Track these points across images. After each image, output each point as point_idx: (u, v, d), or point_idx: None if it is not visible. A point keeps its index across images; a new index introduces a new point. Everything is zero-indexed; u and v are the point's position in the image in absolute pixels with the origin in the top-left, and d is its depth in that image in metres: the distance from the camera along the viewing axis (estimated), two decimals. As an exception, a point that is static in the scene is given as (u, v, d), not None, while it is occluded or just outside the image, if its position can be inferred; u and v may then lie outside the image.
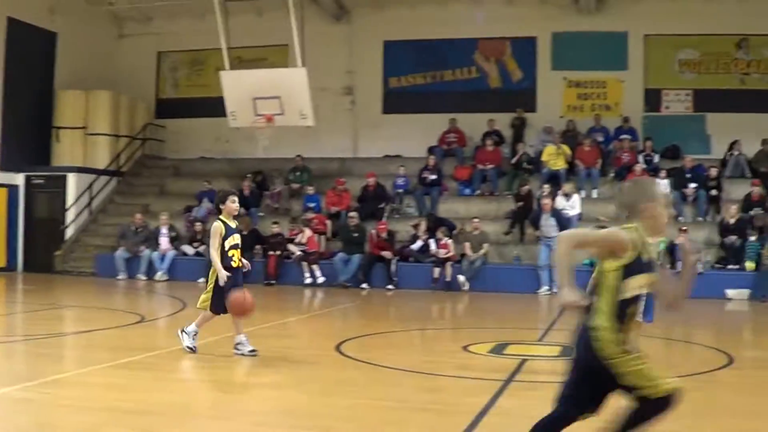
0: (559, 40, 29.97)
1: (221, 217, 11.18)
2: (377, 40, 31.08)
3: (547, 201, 23.43)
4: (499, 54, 30.63)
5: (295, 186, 28.44)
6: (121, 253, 26.24)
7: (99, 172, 30.14)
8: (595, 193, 26.97)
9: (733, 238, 23.43)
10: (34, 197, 29.50)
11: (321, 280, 24.13)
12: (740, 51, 29.39)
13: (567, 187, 25.30)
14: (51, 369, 10.19)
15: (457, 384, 9.84)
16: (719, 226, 24.10)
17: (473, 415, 7.97)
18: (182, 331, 11.24)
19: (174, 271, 25.82)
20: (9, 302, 20.44)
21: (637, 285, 5.24)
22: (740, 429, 7.99)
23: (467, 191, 27.97)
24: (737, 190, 26.08)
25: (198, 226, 26.25)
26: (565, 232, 5.84)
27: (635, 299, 5.27)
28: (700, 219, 25.46)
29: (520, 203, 25.49)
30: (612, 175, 27.28)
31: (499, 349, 12.46)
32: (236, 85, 25.01)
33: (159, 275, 25.62)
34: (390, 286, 23.82)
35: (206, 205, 27.07)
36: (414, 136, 29.79)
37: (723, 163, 27.31)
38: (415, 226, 24.97)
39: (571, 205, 24.89)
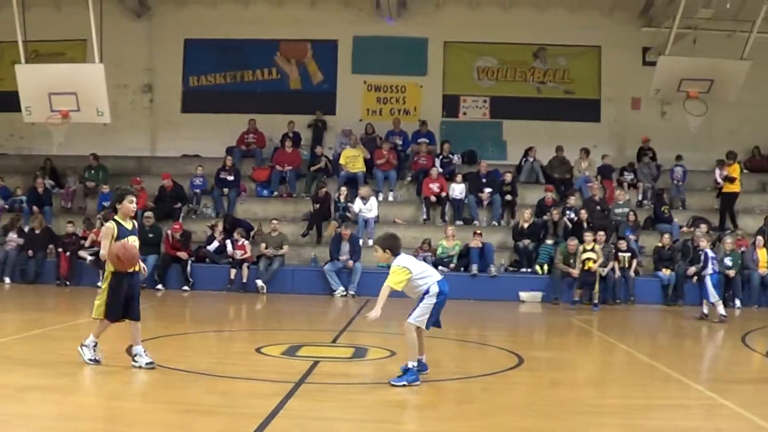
0: (360, 44, 29.98)
1: (116, 217, 10.33)
2: (178, 38, 30.40)
3: (347, 232, 23.30)
4: (300, 56, 30.42)
5: (90, 184, 27.50)
6: None
7: None
8: (391, 196, 27.04)
9: (526, 242, 23.86)
10: None
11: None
12: (537, 60, 30.12)
13: (364, 190, 25.29)
14: None
15: (248, 386, 9.57)
16: (513, 230, 24.52)
17: (262, 417, 7.78)
18: (82, 345, 10.38)
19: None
20: None
21: None
22: (525, 428, 7.97)
23: (265, 192, 27.65)
24: (531, 195, 26.71)
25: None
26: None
27: None
28: (495, 223, 25.90)
29: (318, 205, 25.33)
30: (409, 178, 27.45)
31: (292, 351, 12.26)
32: (32, 80, 23.94)
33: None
34: (186, 287, 23.26)
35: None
36: (213, 136, 29.30)
37: (518, 168, 27.91)
38: (212, 227, 24.49)
39: (369, 208, 24.90)
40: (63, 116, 23.56)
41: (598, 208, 25.12)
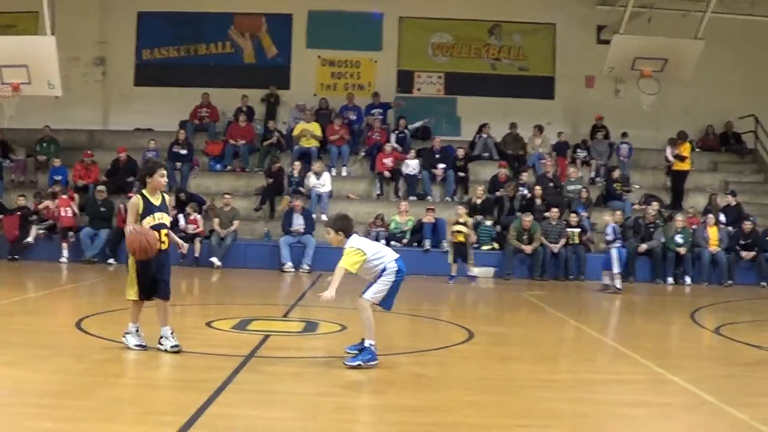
0: (315, 19, 29.85)
1: (144, 191, 9.71)
2: (131, 10, 30.01)
3: (298, 203, 23.22)
4: (254, 30, 30.20)
5: (42, 158, 27.19)
6: None
7: None
8: (345, 171, 26.99)
9: (479, 217, 23.90)
10: None
11: (65, 255, 23.18)
12: (492, 37, 30.14)
13: (317, 165, 25.22)
14: None
15: (198, 360, 9.49)
16: (466, 206, 24.53)
17: (211, 391, 7.74)
18: (125, 333, 9.89)
19: None
20: None
21: None
22: (475, 402, 7.99)
23: (218, 167, 27.48)
24: (484, 171, 26.79)
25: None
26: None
27: None
28: (448, 199, 25.92)
29: (271, 180, 25.23)
30: (363, 153, 27.41)
31: (242, 325, 12.21)
32: (-18, 52, 23.65)
33: None
34: (138, 262, 23.04)
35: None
36: (166, 110, 29.02)
37: (472, 144, 27.93)
38: (165, 201, 24.27)
39: (322, 183, 24.85)
40: (13, 89, 23.24)
41: (551, 184, 25.25)
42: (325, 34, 29.74)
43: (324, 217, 24.12)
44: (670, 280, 23.00)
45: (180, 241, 10.28)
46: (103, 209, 23.71)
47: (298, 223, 23.02)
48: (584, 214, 24.17)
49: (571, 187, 25.56)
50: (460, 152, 26.55)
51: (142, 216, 9.58)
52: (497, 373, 9.51)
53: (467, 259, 21.08)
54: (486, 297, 19.79)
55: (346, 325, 12.31)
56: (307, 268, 22.36)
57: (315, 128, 27.01)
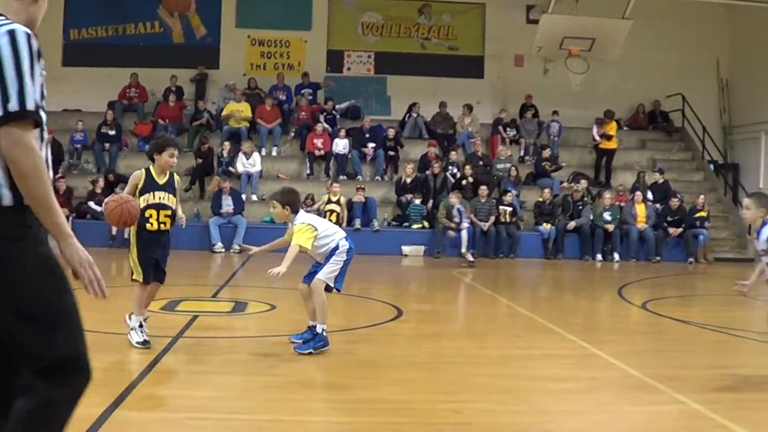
0: (245, -2, 29.65)
1: (150, 167, 9.19)
2: (58, -11, 29.60)
3: (226, 185, 23.13)
4: (183, 9, 29.85)
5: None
6: None
7: None
8: (275, 151, 26.87)
9: (409, 196, 23.97)
10: None
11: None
12: (422, 16, 30.11)
13: (247, 145, 25.08)
14: None
15: (125, 342, 9.38)
16: (396, 185, 24.62)
17: (137, 372, 7.74)
18: (131, 330, 9.11)
19: None
20: None
21: None
22: (404, 378, 8.03)
23: (147, 147, 27.13)
24: (414, 150, 26.83)
25: None
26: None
27: None
28: (378, 178, 25.96)
29: (201, 160, 25.06)
30: (293, 133, 27.30)
31: (171, 306, 12.09)
32: None
33: None
34: (66, 244, 22.75)
35: None
36: (94, 90, 28.54)
37: (402, 124, 27.95)
38: (94, 182, 23.99)
39: (252, 163, 24.74)
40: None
41: (481, 163, 25.37)
42: (254, 13, 29.49)
43: (254, 198, 24.09)
44: (599, 256, 23.30)
45: (182, 217, 9.54)
46: (30, 191, 23.37)
47: (228, 203, 22.91)
48: (514, 192, 24.34)
49: (500, 166, 25.72)
50: (390, 131, 26.57)
51: (141, 192, 9.05)
52: (425, 350, 9.56)
53: None
54: (416, 275, 19.87)
55: (275, 305, 12.30)
56: (238, 247, 22.27)
57: (245, 108, 26.83)
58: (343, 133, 26.27)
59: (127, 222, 8.48)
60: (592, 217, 23.65)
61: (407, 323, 11.53)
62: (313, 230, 9.00)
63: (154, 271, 9.17)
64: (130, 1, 29.54)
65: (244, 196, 23.66)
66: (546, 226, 23.56)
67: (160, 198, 9.12)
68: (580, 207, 23.89)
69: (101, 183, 23.81)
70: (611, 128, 26.72)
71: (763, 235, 8.26)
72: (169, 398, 7.07)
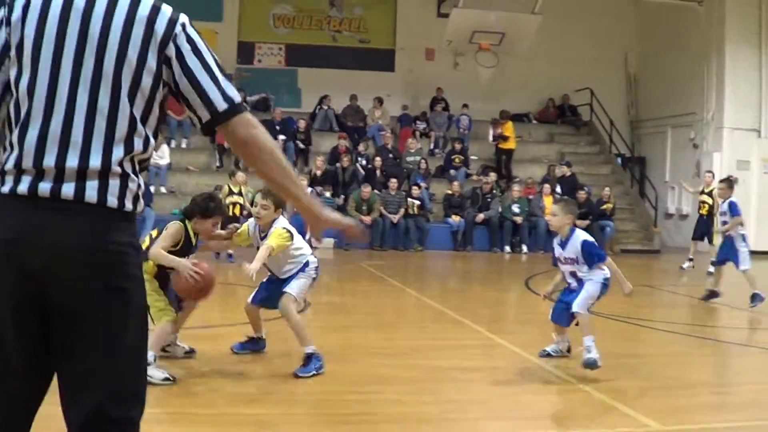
0: (154, -11, 29.24)
1: (187, 224, 7.91)
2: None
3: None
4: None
5: None
6: None
7: None
8: (184, 143, 26.64)
9: (319, 189, 23.96)
10: None
11: None
12: (333, 9, 30.12)
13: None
14: None
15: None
16: (307, 178, 24.56)
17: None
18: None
19: None
20: None
21: None
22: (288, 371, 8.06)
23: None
24: (325, 142, 26.80)
25: None
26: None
27: None
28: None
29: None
30: (202, 125, 27.03)
31: None
32: None
33: None
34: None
35: None
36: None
37: (312, 116, 27.90)
38: None
39: (160, 155, 24.47)
40: None
41: (391, 156, 25.46)
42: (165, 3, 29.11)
43: (163, 190, 23.89)
44: (507, 248, 23.57)
45: None
46: None
47: (142, 199, 22.58)
48: (423, 185, 24.47)
49: (410, 159, 25.84)
50: (301, 124, 26.50)
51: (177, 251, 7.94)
52: (332, 342, 9.56)
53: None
54: (325, 267, 19.81)
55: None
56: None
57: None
58: (255, 124, 26.09)
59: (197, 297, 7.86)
60: (500, 210, 23.89)
61: (316, 315, 11.52)
62: (289, 240, 8.15)
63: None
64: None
65: (152, 189, 23.42)
66: (455, 219, 23.74)
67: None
68: (489, 199, 24.12)
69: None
70: (507, 129, 26.96)
71: (571, 244, 8.30)
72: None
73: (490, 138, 27.30)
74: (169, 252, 7.59)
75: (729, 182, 14.66)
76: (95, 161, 2.96)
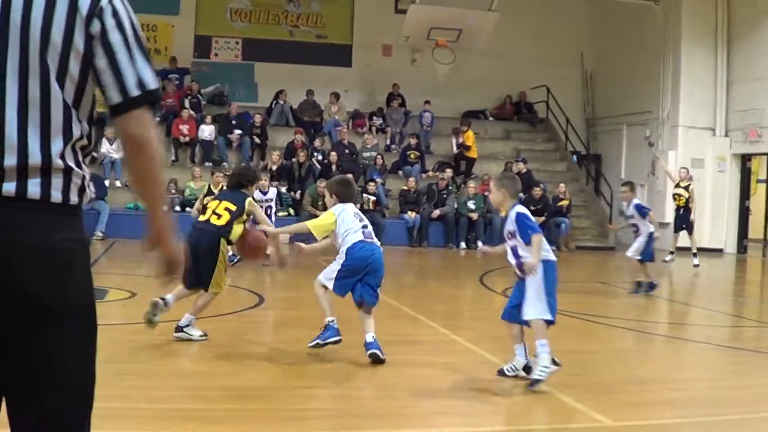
0: (110, -20, 28.99)
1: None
2: None
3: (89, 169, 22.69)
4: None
5: None
6: None
7: None
8: (140, 136, 26.35)
9: (275, 183, 23.82)
10: None
11: None
12: (290, 4, 30.03)
13: (110, 131, 24.59)
14: None
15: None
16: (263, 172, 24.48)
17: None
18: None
19: None
20: None
21: None
22: (258, 365, 8.04)
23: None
24: (281, 137, 26.68)
25: None
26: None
27: None
28: (243, 165, 25.68)
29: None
30: (158, 119, 26.84)
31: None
32: None
33: None
34: None
35: None
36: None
37: (269, 111, 27.78)
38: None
39: (115, 148, 24.29)
40: None
41: (347, 151, 25.41)
42: (120, -5, 28.87)
43: (118, 183, 23.72)
44: (463, 244, 23.61)
45: None
46: None
47: (91, 189, 22.38)
48: (379, 180, 24.45)
49: (366, 154, 25.81)
50: (257, 118, 26.38)
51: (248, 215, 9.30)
52: (285, 337, 9.55)
53: None
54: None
55: (136, 292, 12.10)
56: (101, 234, 21.85)
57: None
58: (209, 119, 25.99)
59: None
60: (456, 206, 23.91)
61: (269, 310, 11.52)
62: (333, 223, 8.48)
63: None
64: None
65: (107, 182, 23.24)
66: (411, 215, 23.74)
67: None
68: (445, 196, 24.15)
69: None
70: (468, 138, 26.97)
71: (509, 218, 8.15)
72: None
73: (454, 148, 27.22)
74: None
75: (631, 185, 15.20)
76: (35, 157, 2.84)
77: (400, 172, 26.11)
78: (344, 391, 7.19)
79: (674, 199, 20.41)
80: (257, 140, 26.07)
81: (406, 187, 24.46)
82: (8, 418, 2.94)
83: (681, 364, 9.75)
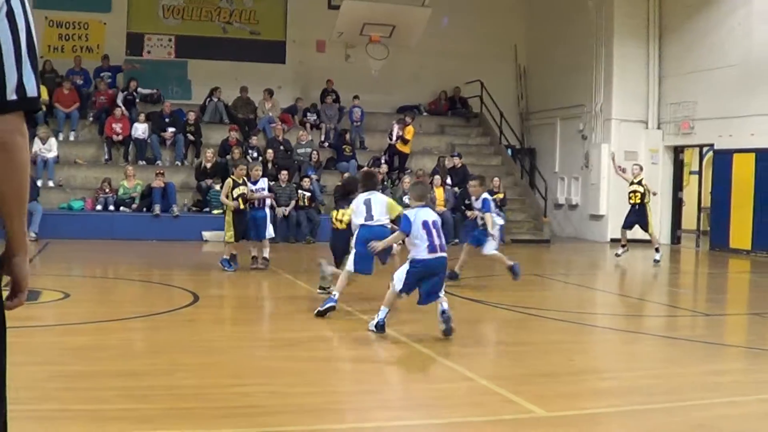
0: (40, -21, 28.65)
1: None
2: None
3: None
4: (-28, -13, 28.60)
5: None
6: None
7: None
8: (73, 136, 26.11)
9: (209, 181, 23.68)
10: None
11: None
12: (223, 0, 29.80)
13: (43, 130, 24.28)
14: None
15: None
16: (196, 170, 24.33)
17: None
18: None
19: None
20: None
21: None
22: (196, 363, 7.97)
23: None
24: (215, 135, 26.50)
25: None
26: None
27: None
28: (178, 163, 25.56)
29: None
30: (91, 118, 26.57)
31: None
32: None
33: None
34: None
35: None
36: None
37: (202, 108, 27.59)
38: None
39: (48, 148, 24.02)
40: None
41: (282, 148, 25.32)
42: (52, -6, 28.53)
43: (51, 184, 23.47)
44: (399, 238, 23.62)
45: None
46: None
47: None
48: (314, 176, 24.41)
49: (301, 150, 25.74)
50: (191, 116, 26.17)
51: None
52: (218, 335, 9.52)
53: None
54: (215, 261, 19.66)
55: (69, 293, 11.97)
56: (34, 235, 21.55)
57: (41, 92, 25.88)
58: (142, 117, 25.71)
59: None
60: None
61: (204, 309, 11.44)
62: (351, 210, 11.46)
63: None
64: None
65: (40, 182, 22.95)
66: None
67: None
68: (380, 191, 24.14)
69: None
70: (408, 132, 26.99)
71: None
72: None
73: (394, 138, 27.11)
74: None
75: (481, 180, 15.37)
76: None
77: (336, 168, 26.07)
78: (278, 388, 7.15)
79: (630, 197, 20.40)
80: (191, 138, 25.86)
81: (341, 183, 24.40)
82: None
83: (615, 354, 9.87)
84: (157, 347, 8.70)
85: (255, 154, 24.84)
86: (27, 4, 2.99)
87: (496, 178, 25.44)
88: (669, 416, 6.84)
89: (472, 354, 9.01)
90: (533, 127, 31.81)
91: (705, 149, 26.30)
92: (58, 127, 25.63)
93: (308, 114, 28.23)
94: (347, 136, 26.84)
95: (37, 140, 23.86)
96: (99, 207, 22.98)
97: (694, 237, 26.82)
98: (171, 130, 25.75)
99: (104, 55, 27.94)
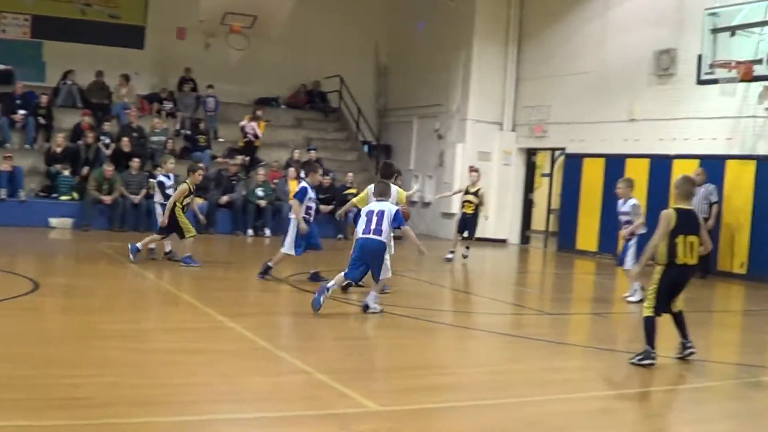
0: None
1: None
2: None
3: None
4: None
5: None
6: None
7: None
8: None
9: (58, 166, 23.21)
10: None
11: None
12: (84, -19, 29.21)
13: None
14: None
15: None
16: (46, 155, 23.78)
17: None
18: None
19: None
20: None
21: None
22: (24, 353, 7.85)
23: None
24: (68, 119, 25.90)
25: None
26: None
27: None
28: (28, 146, 24.87)
29: None
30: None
31: None
32: None
33: None
34: None
35: None
36: None
37: (56, 91, 26.97)
38: None
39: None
40: None
41: (135, 135, 24.94)
42: None
43: None
44: (250, 231, 23.62)
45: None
46: None
47: None
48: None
49: (155, 138, 25.39)
50: (43, 99, 25.52)
51: None
52: (55, 325, 9.36)
53: None
54: (61, 248, 19.33)
55: None
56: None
57: None
58: (-5, 99, 25.03)
59: None
60: (245, 193, 23.89)
61: (43, 297, 11.20)
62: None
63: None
64: None
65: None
66: (198, 200, 23.49)
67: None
68: (234, 182, 24.07)
69: None
70: (260, 127, 26.91)
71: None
72: None
73: (251, 135, 26.85)
74: None
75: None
76: None
77: (190, 158, 25.77)
78: (113, 379, 7.08)
79: (463, 206, 20.61)
80: (42, 121, 25.20)
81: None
82: None
83: (456, 350, 10.03)
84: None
85: (108, 141, 24.37)
86: None
87: (349, 174, 25.61)
88: (502, 412, 7.02)
89: (311, 348, 9.07)
90: (391, 124, 32.06)
91: (557, 153, 26.86)
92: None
93: (164, 102, 27.86)
94: (201, 126, 26.58)
95: None
96: None
97: (542, 238, 27.37)
98: (22, 112, 25.05)
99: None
